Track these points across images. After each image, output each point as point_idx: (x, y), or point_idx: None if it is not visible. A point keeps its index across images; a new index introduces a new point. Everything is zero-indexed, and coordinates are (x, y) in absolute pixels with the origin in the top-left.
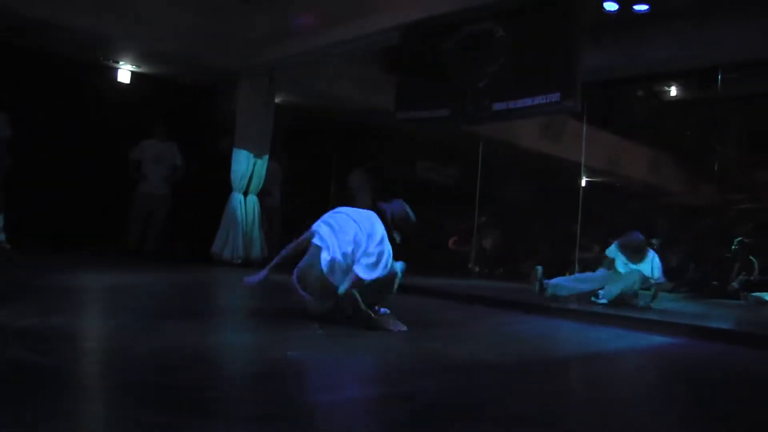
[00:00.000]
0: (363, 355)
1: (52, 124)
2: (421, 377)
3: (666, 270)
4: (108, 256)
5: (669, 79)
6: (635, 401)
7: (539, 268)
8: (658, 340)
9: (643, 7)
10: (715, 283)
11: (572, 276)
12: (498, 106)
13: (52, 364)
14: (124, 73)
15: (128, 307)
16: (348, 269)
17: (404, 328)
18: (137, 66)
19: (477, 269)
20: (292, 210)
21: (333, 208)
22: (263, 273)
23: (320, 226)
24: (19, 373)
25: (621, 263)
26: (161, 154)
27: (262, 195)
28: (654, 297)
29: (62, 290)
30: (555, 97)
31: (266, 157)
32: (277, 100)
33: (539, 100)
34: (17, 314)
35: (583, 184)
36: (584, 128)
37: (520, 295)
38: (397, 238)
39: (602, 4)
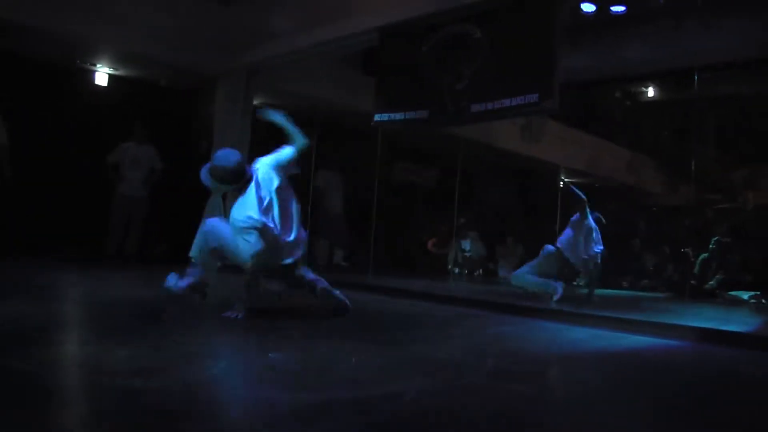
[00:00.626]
0: (345, 356)
1: (30, 128)
2: (403, 379)
3: (645, 270)
4: (87, 260)
5: (646, 80)
6: (616, 401)
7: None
8: (637, 339)
9: (620, 9)
10: (693, 282)
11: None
12: (476, 108)
13: (29, 370)
14: (102, 76)
15: (103, 311)
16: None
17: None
18: (114, 69)
19: (456, 271)
20: None
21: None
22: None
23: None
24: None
25: None
26: (139, 157)
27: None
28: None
29: (39, 295)
30: (533, 98)
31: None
32: (255, 102)
33: (518, 101)
34: None
35: (562, 185)
36: (557, 128)
37: (500, 297)
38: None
39: (580, 5)
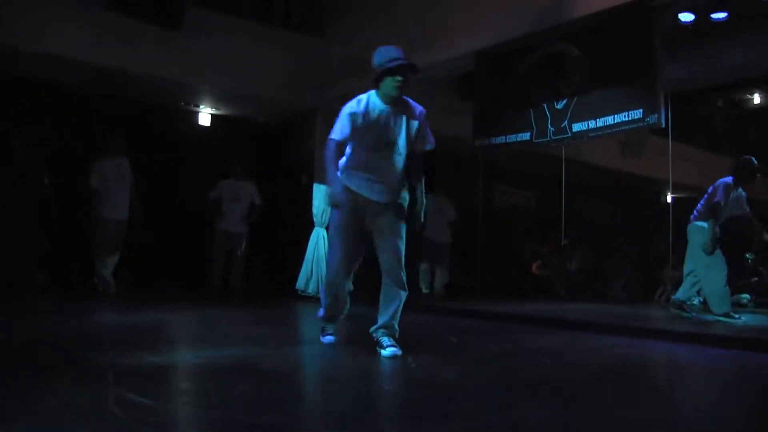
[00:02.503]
0: (455, 380)
1: (137, 169)
2: (518, 404)
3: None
4: (192, 296)
5: (752, 87)
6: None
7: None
8: None
9: (722, 15)
10: None
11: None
12: (578, 127)
13: (152, 404)
14: (204, 117)
15: (216, 343)
16: None
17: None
18: (216, 108)
19: (563, 292)
20: None
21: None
22: None
23: None
24: (126, 413)
25: None
26: (239, 192)
27: None
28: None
29: (154, 329)
30: (638, 113)
31: None
32: None
33: (621, 117)
34: (117, 354)
35: (669, 200)
36: (669, 143)
37: (614, 318)
38: None
39: (677, 16)
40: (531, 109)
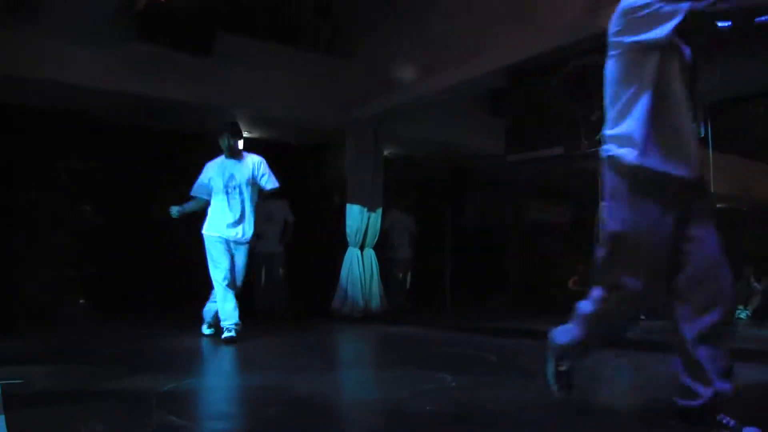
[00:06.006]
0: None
1: (171, 197)
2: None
3: None
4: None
5: None
6: None
7: None
8: None
9: (763, 18)
10: None
11: None
12: None
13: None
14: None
15: (257, 366)
16: None
17: None
18: (249, 132)
19: None
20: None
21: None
22: None
23: None
24: None
25: None
26: (273, 212)
27: (391, 247)
28: None
29: (194, 353)
30: None
31: (380, 210)
32: (386, 152)
33: None
34: (154, 379)
35: None
36: (710, 152)
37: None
38: None
39: (714, 21)
40: (564, 123)
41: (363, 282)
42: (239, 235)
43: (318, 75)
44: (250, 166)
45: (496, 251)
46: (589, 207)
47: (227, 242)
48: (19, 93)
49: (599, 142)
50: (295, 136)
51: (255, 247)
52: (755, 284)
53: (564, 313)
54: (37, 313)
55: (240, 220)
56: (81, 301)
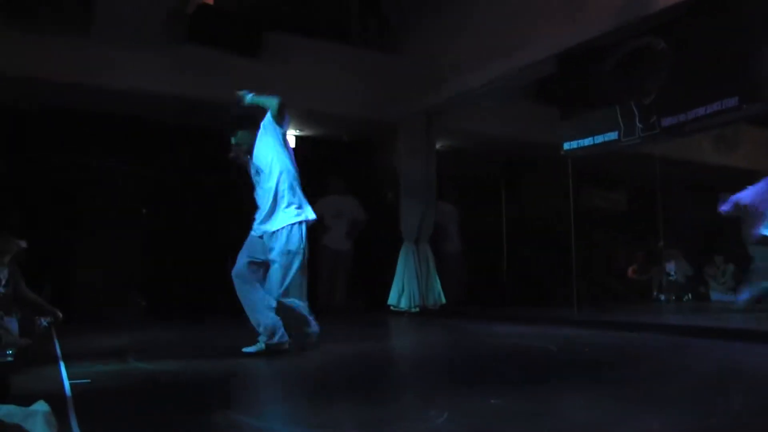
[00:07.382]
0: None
1: (226, 197)
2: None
3: None
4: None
5: None
6: None
7: None
8: None
9: None
10: None
11: None
12: (668, 121)
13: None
14: (289, 138)
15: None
16: None
17: None
18: (300, 130)
19: (663, 297)
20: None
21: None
22: None
23: None
24: None
25: None
26: (342, 208)
27: (440, 241)
28: None
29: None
30: (732, 102)
31: (434, 203)
32: (438, 145)
33: (714, 108)
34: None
35: None
36: (755, 133)
37: (723, 321)
38: None
39: None
40: (618, 108)
41: (419, 276)
42: None
43: (367, 70)
44: None
45: (552, 242)
46: (644, 193)
47: None
48: (76, 98)
49: (654, 126)
50: (347, 132)
51: (322, 242)
52: None
53: (627, 302)
54: (101, 315)
55: None
56: (142, 303)
